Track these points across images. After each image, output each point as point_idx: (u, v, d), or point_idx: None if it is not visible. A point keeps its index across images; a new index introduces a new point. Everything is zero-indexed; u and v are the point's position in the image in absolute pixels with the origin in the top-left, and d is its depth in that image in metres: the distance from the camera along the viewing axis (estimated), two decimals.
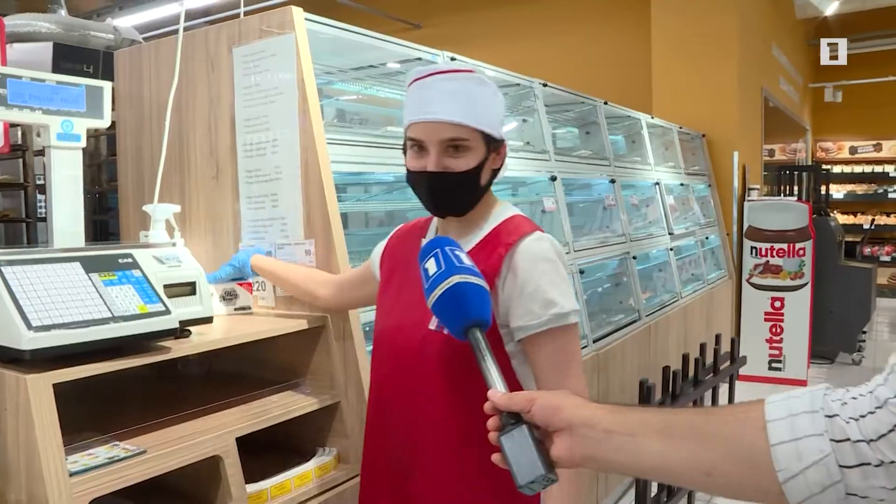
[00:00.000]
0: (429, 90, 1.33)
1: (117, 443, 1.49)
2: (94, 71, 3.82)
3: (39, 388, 1.27)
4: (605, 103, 4.21)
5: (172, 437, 1.54)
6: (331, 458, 1.85)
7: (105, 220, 3.56)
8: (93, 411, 1.69)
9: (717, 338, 4.19)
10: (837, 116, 10.91)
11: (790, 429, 0.73)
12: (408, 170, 1.38)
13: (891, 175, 11.12)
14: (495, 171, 1.41)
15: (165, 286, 1.58)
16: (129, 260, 1.55)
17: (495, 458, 0.85)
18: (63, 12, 4.81)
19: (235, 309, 2.02)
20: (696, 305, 4.93)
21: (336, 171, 2.08)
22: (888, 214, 11.04)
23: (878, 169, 11.23)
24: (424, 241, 1.44)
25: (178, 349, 1.52)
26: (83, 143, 1.81)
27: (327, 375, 1.90)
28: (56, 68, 3.70)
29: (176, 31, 2.08)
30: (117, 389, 1.84)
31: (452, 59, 2.67)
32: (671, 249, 4.72)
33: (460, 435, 1.34)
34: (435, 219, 1.50)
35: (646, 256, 4.47)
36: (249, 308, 2.04)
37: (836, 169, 11.02)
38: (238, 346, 1.75)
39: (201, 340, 1.60)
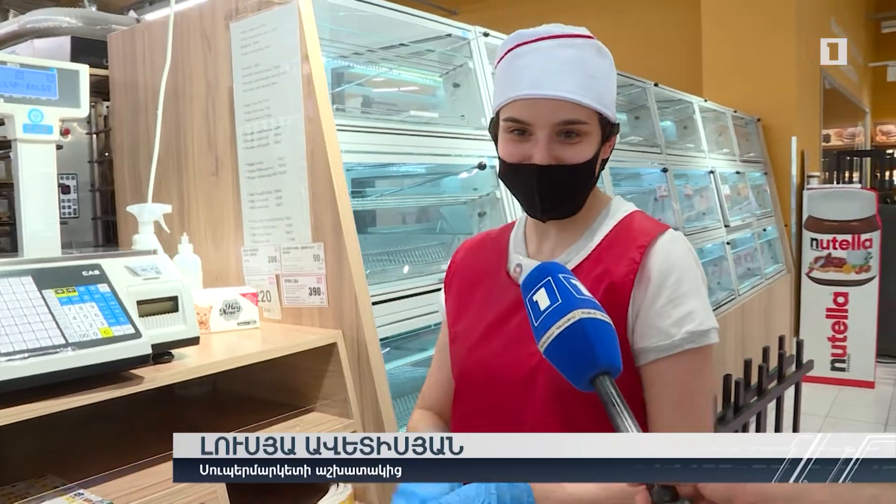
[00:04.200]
0: (538, 59, 1.03)
1: (81, 491, 1.24)
2: None
3: None
4: (656, 85, 3.87)
5: (154, 480, 1.29)
6: (345, 496, 1.58)
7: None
8: (65, 449, 1.45)
9: (781, 340, 3.82)
10: None
11: None
12: (502, 161, 1.08)
13: None
14: (604, 163, 1.12)
15: (140, 303, 1.32)
16: (96, 272, 1.29)
17: None
18: (93, 8, 4.65)
19: (238, 324, 1.76)
20: (755, 303, 4.56)
21: (358, 163, 1.81)
22: None
23: None
24: (512, 256, 1.14)
25: (151, 379, 1.26)
26: (56, 136, 1.57)
27: (341, 400, 1.64)
28: (74, 63, 3.52)
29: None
30: (105, 417, 1.60)
31: (485, 34, 2.38)
32: (728, 243, 4.36)
33: None
34: (515, 227, 1.19)
35: (700, 251, 4.13)
36: (255, 322, 1.78)
37: None
38: (244, 366, 1.50)
39: (180, 367, 1.34)
